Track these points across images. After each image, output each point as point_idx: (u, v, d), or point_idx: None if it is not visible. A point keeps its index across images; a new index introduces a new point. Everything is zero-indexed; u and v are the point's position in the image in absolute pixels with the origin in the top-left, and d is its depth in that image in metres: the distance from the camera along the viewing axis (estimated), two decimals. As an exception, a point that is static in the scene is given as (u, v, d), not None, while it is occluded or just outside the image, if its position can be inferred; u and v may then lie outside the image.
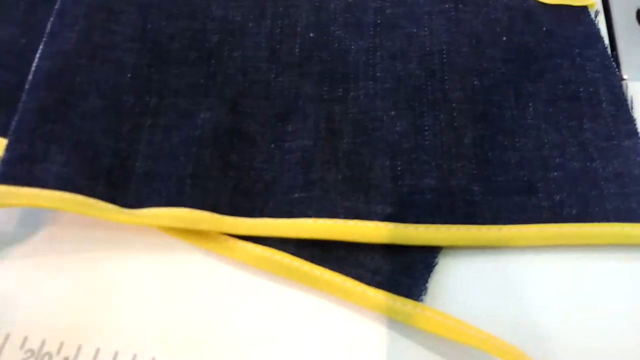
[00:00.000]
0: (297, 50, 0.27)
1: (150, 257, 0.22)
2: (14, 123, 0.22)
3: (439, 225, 0.23)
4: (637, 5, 0.31)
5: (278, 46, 0.27)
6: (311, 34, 0.28)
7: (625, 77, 0.28)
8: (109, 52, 0.25)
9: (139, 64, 0.25)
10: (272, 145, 0.25)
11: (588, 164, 0.25)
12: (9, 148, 0.22)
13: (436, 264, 0.22)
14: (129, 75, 0.25)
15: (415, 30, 0.28)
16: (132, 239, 0.23)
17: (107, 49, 0.25)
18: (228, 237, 0.22)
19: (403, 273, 0.22)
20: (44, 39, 0.25)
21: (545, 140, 0.25)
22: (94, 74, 0.24)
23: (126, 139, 0.23)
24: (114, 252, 0.22)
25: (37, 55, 0.24)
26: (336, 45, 0.27)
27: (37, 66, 0.24)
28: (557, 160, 0.25)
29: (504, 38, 0.28)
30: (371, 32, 0.28)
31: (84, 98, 0.24)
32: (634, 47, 0.30)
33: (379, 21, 0.28)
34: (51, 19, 0.25)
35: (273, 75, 0.26)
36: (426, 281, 0.22)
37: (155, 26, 0.26)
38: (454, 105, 0.26)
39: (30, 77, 0.24)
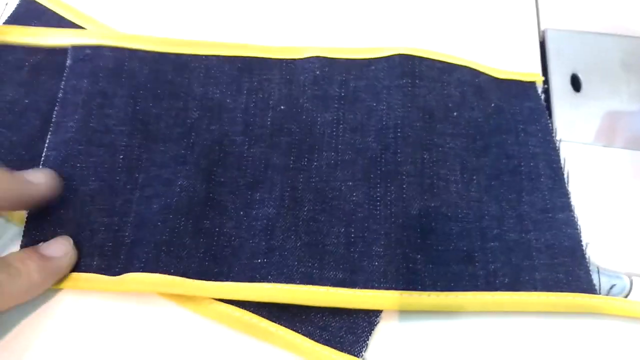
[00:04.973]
0: (268, 122, 0.30)
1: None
2: (30, 210, 0.26)
3: (384, 291, 0.26)
4: (572, 71, 0.33)
5: (252, 119, 0.30)
6: (282, 107, 0.31)
7: (559, 137, 0.31)
8: (104, 137, 0.28)
9: (130, 145, 0.28)
10: (242, 213, 0.28)
11: (523, 235, 0.27)
12: (25, 234, 0.26)
13: (377, 322, 0.25)
14: (121, 157, 0.28)
15: (374, 104, 0.30)
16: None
17: (102, 133, 0.28)
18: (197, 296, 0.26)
19: (348, 331, 0.25)
20: (51, 129, 0.28)
21: (486, 212, 0.28)
22: (92, 158, 0.27)
23: (118, 213, 0.27)
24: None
25: (45, 145, 0.27)
26: (304, 117, 0.30)
27: (45, 156, 0.27)
28: (495, 231, 0.27)
29: (455, 113, 0.30)
30: (335, 105, 0.31)
31: (84, 181, 0.27)
32: (568, 110, 0.32)
33: (343, 94, 0.31)
34: (56, 108, 0.28)
35: (246, 147, 0.29)
36: (367, 339, 0.25)
37: (144, 107, 0.29)
38: (404, 177, 0.28)
39: (40, 166, 0.27)
